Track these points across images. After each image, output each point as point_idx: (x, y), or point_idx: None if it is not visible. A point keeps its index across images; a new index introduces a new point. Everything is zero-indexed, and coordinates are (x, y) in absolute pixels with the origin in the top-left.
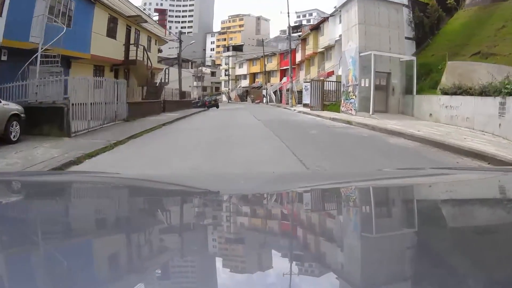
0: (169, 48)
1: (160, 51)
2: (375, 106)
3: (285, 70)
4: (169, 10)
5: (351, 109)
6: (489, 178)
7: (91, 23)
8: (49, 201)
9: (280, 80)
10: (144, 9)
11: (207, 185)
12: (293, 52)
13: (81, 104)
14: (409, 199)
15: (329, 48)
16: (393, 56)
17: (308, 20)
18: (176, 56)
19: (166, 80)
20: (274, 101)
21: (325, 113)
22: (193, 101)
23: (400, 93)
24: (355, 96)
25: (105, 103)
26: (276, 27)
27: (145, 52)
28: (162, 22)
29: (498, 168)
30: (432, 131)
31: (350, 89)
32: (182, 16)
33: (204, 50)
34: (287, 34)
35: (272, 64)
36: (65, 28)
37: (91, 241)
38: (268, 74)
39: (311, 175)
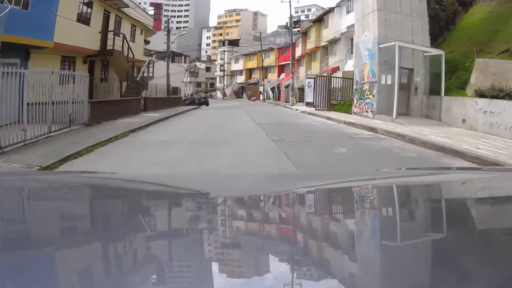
0: (164, 43)
1: (147, 42)
2: (392, 107)
3: (284, 65)
4: (165, 4)
5: (367, 111)
6: (491, 178)
7: (56, 5)
8: (37, 202)
9: (278, 76)
10: (140, 3)
11: (204, 186)
12: (293, 45)
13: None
14: (414, 199)
15: (333, 41)
16: (418, 49)
17: (307, 16)
18: (170, 50)
19: (150, 74)
20: (272, 98)
21: (335, 115)
22: (183, 98)
23: (423, 93)
24: (373, 96)
25: (53, 103)
26: (274, 23)
27: (125, 41)
28: (157, 17)
29: (498, 168)
30: (490, 147)
31: (366, 87)
32: (178, 11)
33: (200, 45)
34: (289, 24)
35: (270, 59)
36: (9, 7)
37: (82, 245)
38: (265, 69)
39: (310, 175)
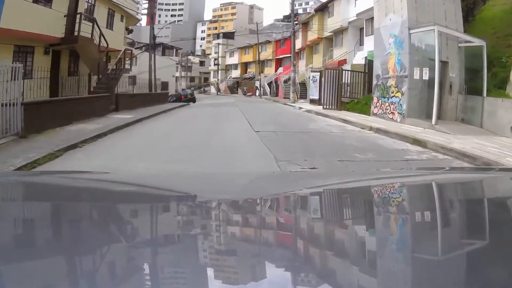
0: (158, 37)
1: (130, 31)
2: (425, 108)
3: (281, 59)
4: None
5: (392, 113)
6: (493, 178)
7: None
8: (17, 203)
9: (276, 71)
10: None
11: (201, 187)
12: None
13: None
14: (419, 201)
15: (339, 31)
16: (460, 37)
17: (304, 9)
18: (159, 42)
19: (127, 66)
20: (269, 94)
21: (351, 116)
22: (170, 94)
23: (458, 92)
24: (401, 94)
25: None
26: (270, 16)
27: (95, 26)
28: (151, 10)
29: (502, 168)
30: None
31: (391, 82)
32: (173, 4)
33: (195, 39)
34: (290, 9)
35: (267, 53)
36: None
37: (65, 253)
38: (262, 63)
39: (313, 174)
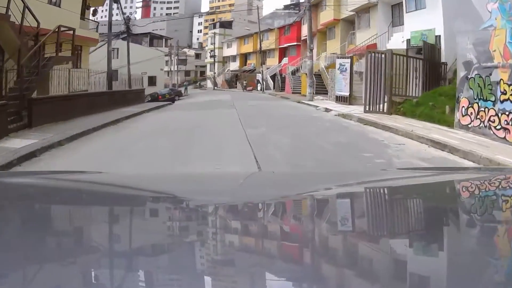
0: (154, 30)
1: (92, 11)
2: None
3: (286, 48)
4: None
5: (506, 129)
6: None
7: None
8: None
9: (279, 62)
10: None
11: (198, 188)
12: (297, 23)
13: None
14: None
15: (365, 10)
16: None
17: None
18: (150, 32)
19: (67, 54)
20: (273, 88)
21: (420, 126)
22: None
23: None
24: None
25: None
26: (270, 7)
27: None
28: (146, 3)
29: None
30: None
31: (501, 75)
32: None
33: (191, 32)
34: None
35: (269, 42)
36: None
37: (53, 257)
38: (263, 54)
39: (317, 175)
